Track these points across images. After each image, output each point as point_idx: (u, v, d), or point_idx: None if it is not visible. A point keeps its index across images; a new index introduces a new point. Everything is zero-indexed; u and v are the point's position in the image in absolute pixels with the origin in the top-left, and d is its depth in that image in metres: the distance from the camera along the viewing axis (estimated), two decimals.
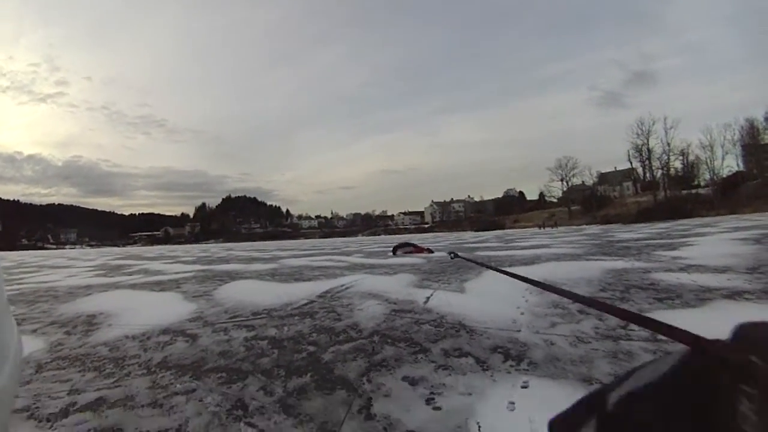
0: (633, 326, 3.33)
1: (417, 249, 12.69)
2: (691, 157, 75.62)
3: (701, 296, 4.30)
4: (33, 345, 3.87)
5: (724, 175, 70.09)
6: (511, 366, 2.69)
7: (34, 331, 4.44)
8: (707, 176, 73.88)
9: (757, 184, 60.69)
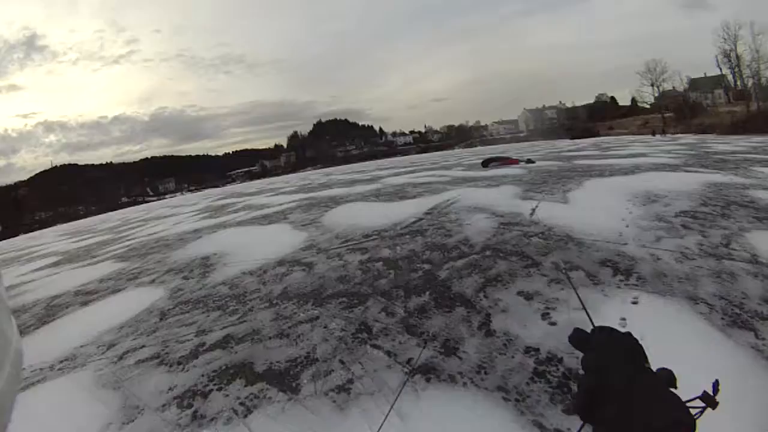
0: (735, 246, 3.25)
1: (509, 161, 12.96)
2: None
3: None
4: (153, 295, 4.39)
5: None
6: (621, 281, 2.74)
7: (152, 281, 5.02)
8: None
9: None
